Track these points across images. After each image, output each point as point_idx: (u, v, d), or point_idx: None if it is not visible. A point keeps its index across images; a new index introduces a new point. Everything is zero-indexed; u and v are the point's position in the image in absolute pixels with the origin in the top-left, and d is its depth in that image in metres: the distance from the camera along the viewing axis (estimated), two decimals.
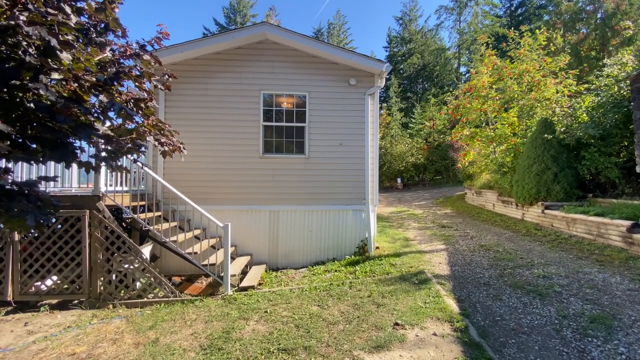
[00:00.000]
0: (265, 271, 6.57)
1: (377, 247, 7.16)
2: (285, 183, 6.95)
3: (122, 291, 5.32)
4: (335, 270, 6.16)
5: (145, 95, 3.66)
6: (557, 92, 10.06)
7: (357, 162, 7.00)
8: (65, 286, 5.28)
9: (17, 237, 5.16)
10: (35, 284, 5.28)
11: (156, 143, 3.97)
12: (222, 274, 5.39)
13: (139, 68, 3.30)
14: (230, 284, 5.52)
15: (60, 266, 5.24)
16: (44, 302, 5.35)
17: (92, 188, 5.42)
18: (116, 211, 5.94)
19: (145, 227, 5.47)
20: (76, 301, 5.36)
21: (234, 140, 6.91)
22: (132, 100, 3.65)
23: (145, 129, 3.84)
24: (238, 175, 6.91)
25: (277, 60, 7.00)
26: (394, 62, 41.76)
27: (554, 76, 11.11)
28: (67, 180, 5.96)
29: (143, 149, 4.04)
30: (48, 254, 5.22)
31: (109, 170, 5.53)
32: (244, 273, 6.38)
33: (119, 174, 6.22)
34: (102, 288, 5.31)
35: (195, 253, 5.49)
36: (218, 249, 6.57)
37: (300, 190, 6.96)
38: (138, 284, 5.36)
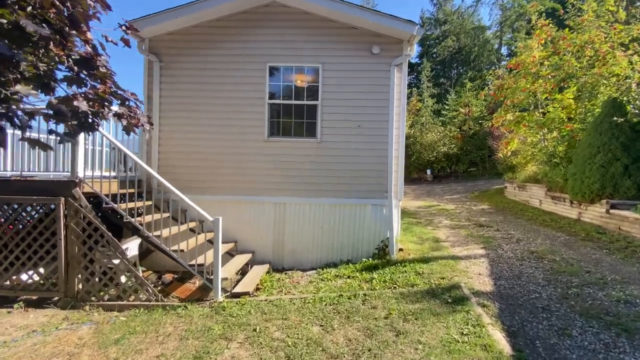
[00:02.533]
0: (268, 272, 5.70)
1: (401, 249, 6.05)
2: (293, 171, 5.98)
3: (101, 291, 4.66)
4: (348, 277, 5.16)
5: (89, 49, 2.79)
6: (632, 65, 8.21)
7: (379, 148, 5.87)
8: (42, 282, 4.70)
9: None
10: (13, 277, 4.75)
11: (111, 116, 3.10)
12: (213, 277, 4.56)
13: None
14: (222, 288, 4.69)
15: (35, 259, 4.65)
16: (23, 297, 4.82)
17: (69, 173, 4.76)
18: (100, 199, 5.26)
19: (126, 218, 4.73)
20: (56, 298, 4.77)
21: (236, 121, 6.01)
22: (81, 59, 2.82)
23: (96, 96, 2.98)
24: (240, 161, 6.02)
25: (286, 27, 5.95)
26: (426, 46, 39.12)
27: (623, 49, 9.17)
28: (52, 164, 5.34)
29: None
30: (22, 246, 4.64)
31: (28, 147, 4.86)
32: (243, 273, 5.56)
33: (103, 156, 5.55)
34: (79, 286, 4.68)
35: (182, 251, 4.70)
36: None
37: (311, 180, 5.97)
38: (118, 283, 4.67)
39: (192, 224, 5.84)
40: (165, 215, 5.67)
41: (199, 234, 5.89)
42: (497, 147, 13.36)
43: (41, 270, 4.69)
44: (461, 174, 23.27)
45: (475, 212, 10.10)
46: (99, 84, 3.18)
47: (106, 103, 3.24)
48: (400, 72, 5.86)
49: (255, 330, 3.63)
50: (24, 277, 4.75)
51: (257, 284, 5.04)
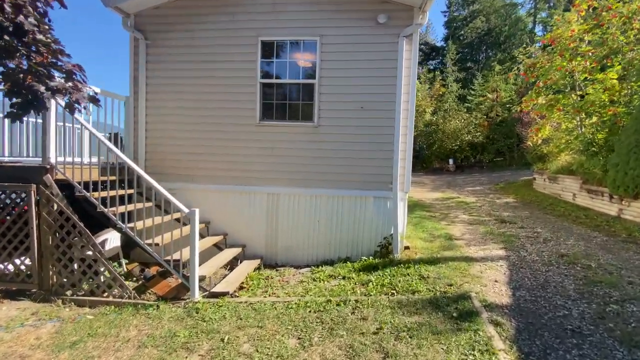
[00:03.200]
0: (258, 268, 5.23)
1: (407, 248, 5.39)
2: (287, 159, 5.41)
3: (75, 286, 4.36)
4: (344, 277, 4.59)
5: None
6: None
7: (384, 134, 5.17)
8: (17, 273, 4.47)
9: None
10: None
11: (42, 88, 2.64)
12: (190, 274, 4.13)
13: None
14: (201, 287, 4.26)
15: (9, 249, 4.40)
16: (2, 288, 4.62)
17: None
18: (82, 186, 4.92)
19: (99, 207, 4.37)
20: (34, 290, 4.52)
21: (225, 103, 5.48)
22: None
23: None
24: (230, 147, 5.52)
25: None
26: (452, 28, 36.87)
27: None
28: (25, 149, 5.06)
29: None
30: None
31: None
32: (232, 267, 5.13)
33: (85, 141, 5.20)
34: (54, 279, 4.40)
35: (157, 244, 4.29)
36: (204, 237, 5.38)
37: (307, 169, 5.38)
38: (91, 278, 4.34)
39: (177, 215, 5.43)
40: (149, 204, 5.29)
41: (184, 224, 5.51)
42: (527, 134, 12.15)
43: (17, 260, 4.45)
44: (486, 164, 21.87)
45: (498, 205, 9.17)
46: (34, 54, 2.73)
47: (45, 76, 2.80)
48: (411, 45, 5.08)
49: (223, 340, 3.15)
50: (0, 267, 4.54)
51: (242, 282, 4.58)
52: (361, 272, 4.68)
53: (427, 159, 24.65)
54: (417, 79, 25.78)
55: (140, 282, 4.87)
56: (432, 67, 32.81)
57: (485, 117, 22.69)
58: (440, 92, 23.77)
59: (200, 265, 4.78)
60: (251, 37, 5.32)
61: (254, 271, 5.09)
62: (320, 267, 5.16)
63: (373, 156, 5.23)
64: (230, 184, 5.51)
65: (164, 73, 5.59)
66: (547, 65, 9.24)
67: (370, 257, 5.13)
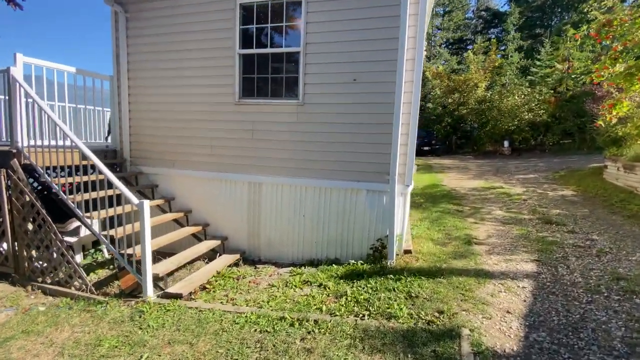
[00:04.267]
0: (236, 264, 4.72)
1: (408, 252, 4.45)
2: (269, 143, 4.70)
3: (44, 273, 4.26)
4: (320, 284, 3.87)
5: None
6: None
7: (381, 112, 4.18)
8: None
9: None
10: None
11: None
12: (142, 271, 3.74)
13: None
14: (157, 285, 3.87)
15: None
16: None
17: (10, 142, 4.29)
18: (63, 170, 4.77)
19: (59, 194, 4.13)
20: (12, 274, 4.54)
21: (203, 80, 4.89)
22: None
23: None
24: (209, 130, 4.97)
25: None
26: None
27: None
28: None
29: None
30: None
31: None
32: (210, 260, 4.71)
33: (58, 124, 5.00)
34: (26, 264, 4.36)
35: (112, 237, 3.94)
36: (183, 227, 5.00)
37: (290, 155, 4.63)
38: (55, 267, 4.19)
39: (159, 202, 5.11)
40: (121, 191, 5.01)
41: (165, 212, 5.18)
42: (599, 111, 9.83)
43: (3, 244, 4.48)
44: (549, 147, 18.87)
45: (550, 200, 7.53)
46: None
47: None
48: None
49: (141, 357, 2.69)
50: None
51: (206, 282, 4.10)
52: (342, 280, 3.91)
53: (478, 141, 22.12)
54: (470, 48, 22.91)
55: (113, 272, 4.69)
56: (492, 37, 28.92)
57: (552, 92, 19.40)
58: (497, 64, 20.71)
59: (169, 257, 4.43)
60: (229, 1, 4.58)
61: (229, 267, 4.59)
62: (302, 267, 4.49)
63: (367, 140, 4.29)
64: (212, 171, 5.00)
65: (145, 48, 5.15)
66: (628, 23, 7.04)
67: (360, 262, 4.31)
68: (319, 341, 2.74)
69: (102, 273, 4.72)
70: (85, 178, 4.27)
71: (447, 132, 24.78)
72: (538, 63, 21.14)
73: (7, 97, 4.23)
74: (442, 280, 3.66)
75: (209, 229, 5.13)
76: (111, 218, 4.06)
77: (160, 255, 4.85)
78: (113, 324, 3.28)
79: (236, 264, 4.77)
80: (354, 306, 3.28)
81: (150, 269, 3.74)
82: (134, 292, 3.97)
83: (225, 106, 4.79)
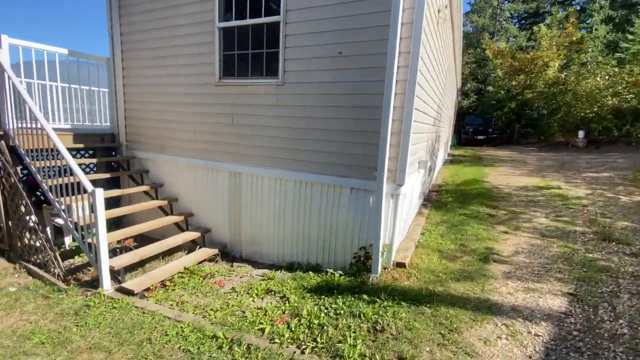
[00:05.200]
0: (212, 259, 4.38)
1: (401, 265, 3.66)
2: (248, 128, 4.18)
3: (29, 253, 4.35)
4: (283, 296, 3.33)
5: None
6: None
7: (369, 92, 3.38)
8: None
9: None
10: None
11: None
12: (98, 263, 3.55)
13: None
14: (116, 278, 3.67)
15: None
16: None
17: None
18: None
19: (37, 178, 4.10)
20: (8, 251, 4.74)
21: (186, 59, 4.50)
22: None
23: None
24: (192, 113, 4.61)
25: None
26: None
27: None
28: None
29: None
30: None
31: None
32: (190, 251, 4.45)
33: (58, 105, 5.02)
34: (19, 243, 4.50)
35: (76, 223, 3.81)
36: (168, 215, 4.80)
37: (269, 143, 4.06)
38: (37, 249, 4.24)
39: (146, 188, 4.96)
40: (106, 175, 4.93)
41: (153, 199, 5.01)
42: None
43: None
44: (637, 140, 15.50)
45: (620, 207, 5.91)
46: None
47: None
48: None
49: None
50: None
51: (169, 278, 3.81)
52: (309, 294, 3.31)
53: (546, 129, 19.16)
54: (543, 21, 19.68)
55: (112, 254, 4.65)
56: (576, 7, 24.44)
57: None
58: (574, 38, 17.30)
59: (150, 244, 4.24)
60: None
61: (202, 263, 4.27)
62: (278, 271, 3.98)
63: (353, 127, 3.53)
64: (195, 158, 4.67)
65: (136, 27, 4.91)
66: None
67: (339, 272, 3.65)
68: None
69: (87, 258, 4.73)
70: (56, 163, 4.19)
71: (509, 120, 21.92)
72: (630, 37, 17.20)
73: None
74: (427, 309, 2.86)
75: (193, 220, 4.85)
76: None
77: (146, 240, 4.73)
78: (58, 316, 3.14)
79: (213, 260, 4.43)
80: (302, 332, 2.68)
81: (107, 261, 3.54)
82: (97, 282, 3.83)
83: (206, 87, 4.37)
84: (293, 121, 3.85)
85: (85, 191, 3.52)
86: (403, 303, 2.96)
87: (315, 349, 2.47)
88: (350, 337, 2.54)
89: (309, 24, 3.58)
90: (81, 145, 4.95)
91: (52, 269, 4.03)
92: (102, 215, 3.47)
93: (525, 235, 4.68)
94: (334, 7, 3.42)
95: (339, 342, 2.50)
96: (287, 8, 3.65)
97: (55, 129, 4.70)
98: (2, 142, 4.28)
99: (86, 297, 3.46)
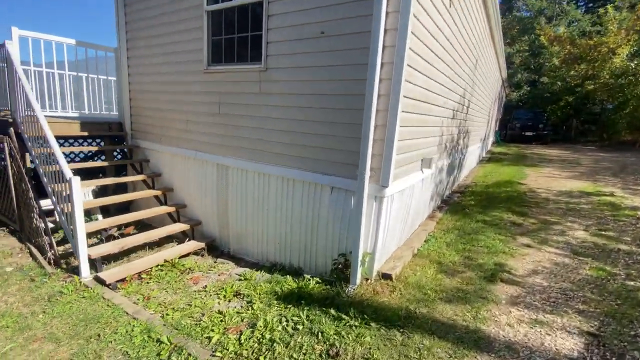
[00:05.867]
0: (198, 253, 4.25)
1: (387, 276, 3.21)
2: (233, 118, 3.94)
3: (34, 235, 4.55)
4: (249, 301, 3.07)
5: None
6: None
7: (351, 79, 2.94)
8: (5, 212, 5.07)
9: None
10: None
11: None
12: (79, 251, 3.56)
13: None
14: (95, 266, 3.65)
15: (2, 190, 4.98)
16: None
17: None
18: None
19: (34, 162, 4.23)
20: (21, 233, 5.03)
21: (178, 46, 4.35)
22: None
23: None
24: (184, 102, 4.47)
25: None
26: None
27: None
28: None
29: None
30: None
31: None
32: (181, 242, 4.39)
33: (64, 94, 5.18)
34: (26, 224, 4.74)
35: (62, 209, 3.85)
36: (162, 205, 4.77)
37: (253, 134, 3.78)
38: (37, 232, 4.41)
39: (143, 177, 4.96)
40: (115, 163, 5.01)
41: (150, 188, 5.02)
42: None
43: (3, 203, 5.02)
44: None
45: None
46: None
47: None
48: None
49: (8, 347, 2.43)
50: None
51: (147, 270, 3.72)
52: (278, 301, 3.01)
53: (611, 127, 16.81)
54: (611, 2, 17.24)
55: (97, 241, 4.77)
56: None
57: None
58: None
59: (143, 232, 4.24)
60: None
61: (187, 256, 4.16)
62: (259, 271, 3.74)
63: (334, 118, 3.12)
64: (187, 149, 4.55)
65: (137, 15, 4.87)
66: None
67: (317, 279, 3.30)
68: None
69: (88, 242, 4.86)
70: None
71: (566, 114, 19.61)
72: None
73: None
74: (398, 335, 2.42)
75: (186, 211, 4.77)
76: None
77: (146, 227, 4.76)
78: (33, 300, 3.19)
79: (199, 253, 4.30)
80: (250, 347, 2.40)
81: (85, 248, 3.54)
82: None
83: (195, 75, 4.19)
84: (275, 111, 3.53)
85: (65, 180, 3.52)
86: (373, 324, 2.54)
87: None
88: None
89: (292, 3, 3.20)
90: (88, 133, 5.07)
91: (47, 253, 4.17)
92: (80, 203, 3.45)
93: (552, 250, 3.93)
94: None
95: None
96: None
97: (64, 117, 4.86)
98: (12, 129, 4.49)
99: (65, 283, 3.49)
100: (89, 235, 4.88)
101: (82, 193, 3.49)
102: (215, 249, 4.49)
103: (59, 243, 4.54)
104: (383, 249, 3.22)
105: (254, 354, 2.33)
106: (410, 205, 3.81)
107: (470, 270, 3.43)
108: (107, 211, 5.22)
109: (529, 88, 21.77)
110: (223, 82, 3.94)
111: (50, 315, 2.93)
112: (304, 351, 2.31)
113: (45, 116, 4.30)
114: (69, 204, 3.47)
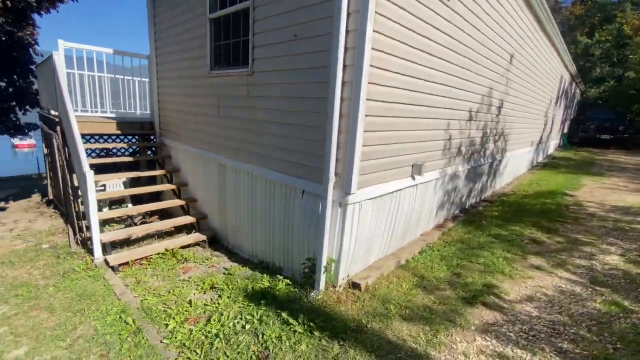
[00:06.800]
0: (199, 244, 4.58)
1: (356, 286, 3.11)
2: (229, 120, 4.12)
3: (76, 217, 5.32)
4: (219, 295, 3.22)
5: None
6: None
7: (319, 81, 2.89)
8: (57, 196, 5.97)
9: None
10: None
11: None
12: (92, 235, 4.08)
13: None
14: (106, 250, 4.14)
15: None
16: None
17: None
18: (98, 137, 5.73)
19: (74, 157, 4.92)
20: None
21: (189, 52, 4.68)
22: None
23: None
24: (192, 105, 4.81)
25: None
26: None
27: None
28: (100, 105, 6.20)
29: None
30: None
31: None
32: (189, 232, 4.80)
33: (103, 95, 5.90)
34: (69, 208, 5.55)
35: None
36: (175, 198, 5.23)
37: (243, 136, 3.92)
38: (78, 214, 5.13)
39: (162, 172, 5.46)
40: (140, 159, 5.58)
41: (169, 182, 5.51)
42: None
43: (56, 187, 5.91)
44: None
45: None
46: None
47: None
48: None
49: (12, 311, 2.95)
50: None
51: (148, 256, 4.11)
52: (244, 299, 3.12)
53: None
54: None
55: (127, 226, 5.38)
56: None
57: None
58: None
59: (135, 224, 4.72)
60: None
61: (189, 246, 4.49)
62: (245, 267, 3.90)
63: (306, 122, 3.09)
64: (197, 148, 4.88)
65: (162, 26, 5.34)
66: None
67: (288, 280, 3.33)
68: None
69: (115, 227, 5.52)
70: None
71: None
72: None
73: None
74: (335, 348, 2.34)
75: (196, 205, 5.13)
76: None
77: (166, 216, 5.28)
78: (52, 274, 3.75)
79: (200, 245, 4.62)
80: (194, 338, 2.55)
81: (97, 234, 4.04)
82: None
83: (201, 79, 4.48)
84: (258, 113, 3.62)
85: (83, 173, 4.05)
86: (317, 333, 2.50)
87: None
88: (229, 358, 2.28)
89: (272, 6, 3.24)
90: (122, 132, 5.73)
91: (77, 235, 4.85)
92: (93, 194, 3.95)
93: (565, 276, 3.40)
94: None
95: None
96: None
97: (103, 117, 5.55)
98: (59, 127, 5.29)
99: (80, 262, 4.03)
100: (117, 220, 5.57)
101: (94, 186, 3.99)
102: (216, 242, 4.77)
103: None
104: (351, 256, 3.12)
105: (196, 345, 2.46)
106: (397, 213, 3.60)
107: (451, 289, 3.14)
108: (139, 200, 5.88)
109: (613, 83, 18.63)
110: (222, 85, 4.15)
111: (57, 289, 3.42)
112: (239, 350, 2.37)
113: (87, 116, 5.00)
114: (84, 193, 3.98)
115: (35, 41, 5.38)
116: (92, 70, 5.51)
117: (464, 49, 3.98)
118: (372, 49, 2.58)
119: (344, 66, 2.64)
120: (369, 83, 2.63)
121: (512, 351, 2.33)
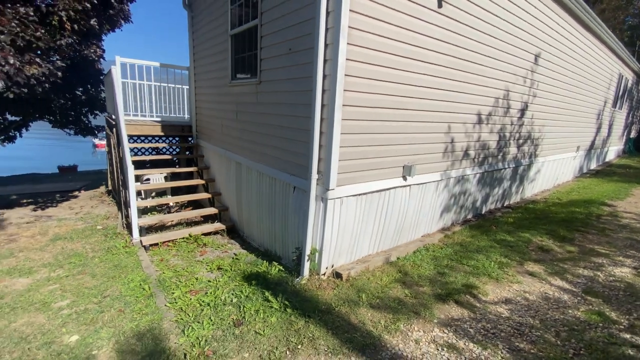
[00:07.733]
0: (218, 232, 5.19)
1: (338, 275, 3.39)
2: (245, 124, 4.65)
3: (125, 205, 6.28)
4: (222, 275, 3.72)
5: None
6: None
7: (306, 90, 3.24)
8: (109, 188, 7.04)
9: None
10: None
11: None
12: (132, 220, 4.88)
13: None
14: (143, 232, 4.91)
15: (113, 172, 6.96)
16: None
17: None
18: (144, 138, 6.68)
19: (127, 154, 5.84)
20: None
21: (214, 65, 5.34)
22: None
23: None
24: (218, 110, 5.45)
25: None
26: None
27: None
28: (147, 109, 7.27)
29: None
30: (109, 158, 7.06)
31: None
32: (213, 221, 5.48)
33: (151, 101, 6.83)
34: (122, 198, 6.56)
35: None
36: (202, 192, 5.94)
37: (254, 138, 4.42)
38: (126, 202, 6.07)
39: (195, 169, 6.22)
40: (180, 157, 6.38)
41: (200, 177, 6.24)
42: None
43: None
44: None
45: None
46: None
47: None
48: None
49: (61, 274, 3.75)
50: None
51: (175, 239, 4.79)
52: (239, 280, 3.58)
53: None
54: None
55: (161, 212, 6.24)
56: None
57: None
58: None
59: (171, 212, 5.47)
60: None
61: (209, 234, 5.11)
62: (252, 255, 4.38)
63: (299, 125, 3.46)
64: (222, 148, 5.51)
65: (198, 40, 6.11)
66: None
67: (280, 267, 3.72)
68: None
69: (154, 213, 6.39)
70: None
71: None
72: None
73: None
74: (300, 323, 2.67)
75: (220, 198, 5.78)
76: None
77: (199, 206, 6.03)
78: (99, 249, 4.59)
79: (219, 233, 5.22)
80: (191, 304, 3.04)
81: (136, 218, 4.82)
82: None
83: (224, 88, 5.08)
84: (264, 117, 4.07)
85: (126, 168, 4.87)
86: (289, 310, 2.85)
87: (179, 320, 2.80)
88: (210, 322, 2.73)
89: (274, 23, 3.68)
90: (166, 133, 6.63)
91: (124, 219, 5.76)
92: (133, 186, 4.73)
93: (557, 284, 3.31)
94: (283, 5, 3.41)
95: (197, 322, 2.74)
96: (262, 9, 3.85)
97: (151, 120, 6.48)
98: (115, 129, 6.32)
99: (122, 241, 4.85)
100: (157, 209, 6.44)
101: (134, 177, 4.77)
102: (234, 232, 5.34)
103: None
104: (334, 248, 3.40)
105: (190, 310, 2.96)
106: (388, 211, 3.80)
107: (429, 286, 3.26)
108: (177, 192, 6.75)
109: None
110: (239, 93, 4.69)
111: (100, 260, 4.21)
112: (222, 317, 2.81)
113: (137, 120, 5.92)
114: (129, 185, 4.79)
115: (100, 57, 6.46)
116: (142, 79, 6.48)
117: (463, 52, 4.03)
118: (347, 59, 2.87)
119: (324, 75, 2.96)
120: (344, 90, 2.92)
121: (465, 344, 2.44)
